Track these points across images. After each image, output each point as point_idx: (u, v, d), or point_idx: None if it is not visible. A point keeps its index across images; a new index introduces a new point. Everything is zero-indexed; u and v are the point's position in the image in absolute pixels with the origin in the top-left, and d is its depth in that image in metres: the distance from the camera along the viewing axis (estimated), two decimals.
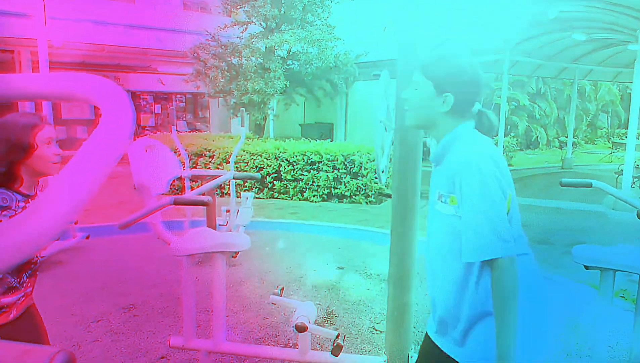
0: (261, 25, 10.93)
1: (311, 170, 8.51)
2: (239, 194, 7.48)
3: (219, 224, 5.33)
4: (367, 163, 8.29)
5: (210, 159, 9.05)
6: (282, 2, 10.34)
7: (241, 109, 6.45)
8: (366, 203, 8.35)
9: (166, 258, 5.08)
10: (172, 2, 13.71)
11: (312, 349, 2.68)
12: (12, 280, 1.72)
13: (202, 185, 4.36)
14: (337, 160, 8.36)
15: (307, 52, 10.97)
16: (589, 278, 3.88)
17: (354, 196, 8.40)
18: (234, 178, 4.95)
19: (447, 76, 1.45)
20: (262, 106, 10.80)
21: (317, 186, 8.51)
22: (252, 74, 10.41)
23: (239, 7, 10.83)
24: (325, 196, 8.55)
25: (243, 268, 4.99)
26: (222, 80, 10.62)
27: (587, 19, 8.74)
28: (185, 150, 6.39)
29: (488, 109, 1.54)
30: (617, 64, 13.22)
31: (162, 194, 2.78)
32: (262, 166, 8.68)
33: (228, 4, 10.98)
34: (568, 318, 3.71)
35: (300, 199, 8.58)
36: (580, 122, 21.04)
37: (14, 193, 1.69)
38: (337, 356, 2.45)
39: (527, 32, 10.20)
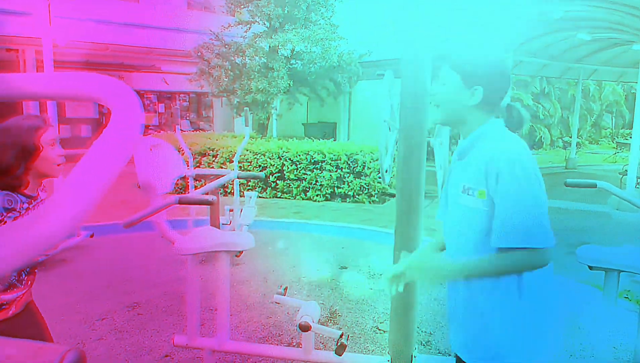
0: (265, 24, 10.93)
1: (314, 169, 8.52)
2: (242, 193, 7.49)
3: (223, 224, 5.34)
4: (370, 162, 8.29)
5: (214, 158, 9.07)
6: (286, 1, 10.34)
7: (245, 108, 6.45)
8: (369, 202, 8.35)
9: (170, 256, 5.09)
10: (176, 2, 13.73)
11: (315, 348, 2.68)
12: (12, 277, 1.74)
13: (205, 184, 4.37)
14: (341, 159, 8.36)
15: (311, 52, 10.96)
16: (593, 278, 3.87)
17: (357, 196, 8.40)
18: (237, 178, 4.96)
19: (476, 68, 1.45)
20: (265, 105, 10.80)
21: (320, 185, 8.51)
22: (255, 73, 10.42)
23: (242, 6, 10.84)
24: (329, 196, 8.56)
25: (247, 267, 5.00)
26: (225, 79, 10.63)
27: (591, 18, 8.70)
28: (189, 149, 6.41)
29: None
30: (621, 64, 13.16)
31: (167, 193, 2.79)
32: (265, 165, 8.69)
33: (232, 4, 10.99)
34: (572, 319, 3.70)
35: (303, 199, 8.59)
36: (584, 123, 20.95)
37: (18, 195, 1.71)
38: (340, 355, 2.45)
39: (531, 32, 10.17)
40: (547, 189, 1.38)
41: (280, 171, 8.70)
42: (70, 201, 0.47)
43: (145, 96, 14.99)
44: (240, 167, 8.43)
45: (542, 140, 19.85)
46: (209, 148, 9.16)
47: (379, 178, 8.09)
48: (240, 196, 6.38)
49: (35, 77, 0.65)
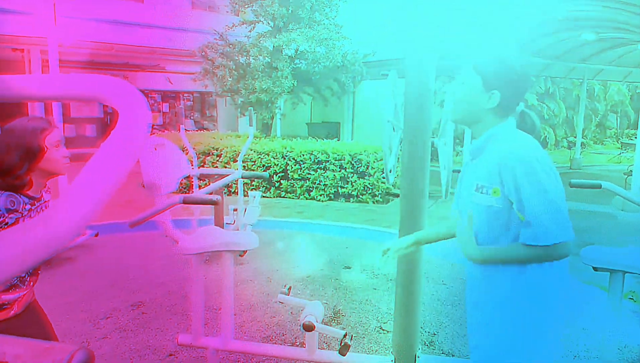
0: (269, 24, 10.95)
1: (318, 169, 8.52)
2: (246, 193, 7.50)
3: (227, 223, 5.35)
4: (374, 162, 8.28)
5: (218, 158, 9.08)
6: (290, 1, 10.35)
7: (249, 108, 6.47)
8: (373, 202, 8.35)
9: (174, 256, 5.11)
10: (180, 1, 13.76)
11: (319, 348, 2.69)
12: (14, 278, 1.74)
13: (209, 184, 4.38)
14: (344, 159, 8.36)
15: (315, 52, 10.96)
16: (598, 279, 3.85)
17: (360, 196, 8.40)
18: (242, 177, 4.97)
19: (497, 73, 1.48)
20: (269, 105, 10.82)
21: (324, 185, 8.52)
22: (259, 73, 10.43)
23: (247, 6, 10.85)
24: (332, 196, 8.56)
25: (250, 266, 5.01)
26: (230, 79, 10.64)
27: (596, 18, 8.66)
28: (193, 149, 6.42)
29: None
30: (626, 63, 13.09)
31: (171, 192, 2.80)
32: (269, 165, 8.70)
33: (236, 3, 11.00)
34: (576, 320, 3.69)
35: (307, 199, 8.59)
36: (589, 123, 20.86)
37: (21, 196, 1.73)
38: (344, 355, 2.46)
39: (535, 31, 10.13)
40: None
41: (284, 170, 8.70)
42: (79, 202, 0.48)
43: (149, 95, 15.02)
44: (244, 167, 8.45)
45: (547, 140, 19.75)
46: (213, 148, 9.18)
47: (383, 178, 8.09)
48: (244, 196, 6.40)
49: (43, 79, 0.65)
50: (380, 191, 8.40)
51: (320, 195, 8.54)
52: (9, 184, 1.69)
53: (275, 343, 3.36)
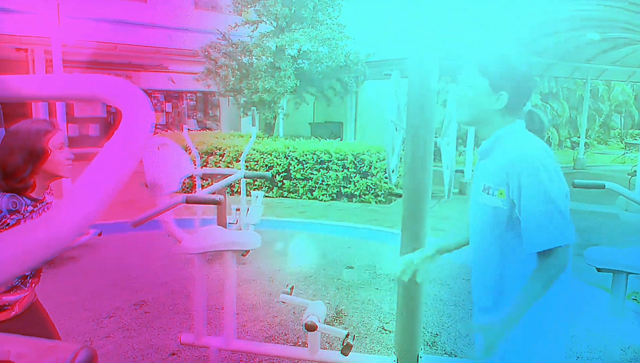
0: (272, 24, 10.95)
1: (321, 169, 8.52)
2: (249, 192, 7.51)
3: (229, 223, 5.36)
4: (376, 162, 8.28)
5: (221, 157, 9.09)
6: (293, 1, 10.35)
7: (252, 108, 6.48)
8: (375, 202, 8.34)
9: (177, 255, 5.12)
10: (183, 1, 13.78)
11: (321, 348, 2.69)
12: (16, 279, 1.75)
13: (212, 183, 4.38)
14: (347, 159, 8.36)
15: (318, 51, 10.96)
16: (601, 280, 3.84)
17: (363, 196, 8.40)
18: (244, 177, 4.97)
19: (504, 74, 1.48)
20: (272, 104, 10.82)
21: (326, 185, 8.52)
22: (262, 73, 10.43)
23: (249, 6, 10.85)
24: (335, 195, 8.56)
25: (253, 266, 5.01)
26: (232, 79, 10.65)
27: (600, 18, 8.63)
28: (196, 148, 6.43)
29: None
30: (631, 63, 13.04)
31: (174, 192, 2.80)
32: (272, 164, 8.71)
33: (239, 3, 11.01)
34: (579, 321, 3.68)
35: (309, 198, 8.59)
36: (592, 123, 20.78)
37: (24, 198, 1.73)
38: (346, 355, 2.46)
39: (540, 31, 10.11)
40: None
41: (287, 170, 8.71)
42: (81, 202, 0.48)
43: (152, 95, 15.04)
44: (247, 166, 8.46)
45: (550, 140, 19.70)
46: (215, 147, 9.19)
47: (386, 178, 8.08)
48: (247, 196, 6.40)
49: (45, 79, 0.66)
50: (382, 191, 8.39)
51: (323, 195, 8.54)
52: (12, 186, 1.70)
53: (277, 342, 3.36)
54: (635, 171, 8.79)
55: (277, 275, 4.77)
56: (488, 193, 1.49)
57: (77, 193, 0.49)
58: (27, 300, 1.85)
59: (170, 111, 15.75)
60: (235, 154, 8.88)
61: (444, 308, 3.99)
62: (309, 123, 15.88)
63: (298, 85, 10.81)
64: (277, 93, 10.43)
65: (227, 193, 7.54)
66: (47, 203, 1.89)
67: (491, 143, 1.53)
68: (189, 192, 8.53)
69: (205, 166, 8.89)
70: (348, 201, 8.47)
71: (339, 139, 11.24)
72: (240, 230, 5.15)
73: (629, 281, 2.52)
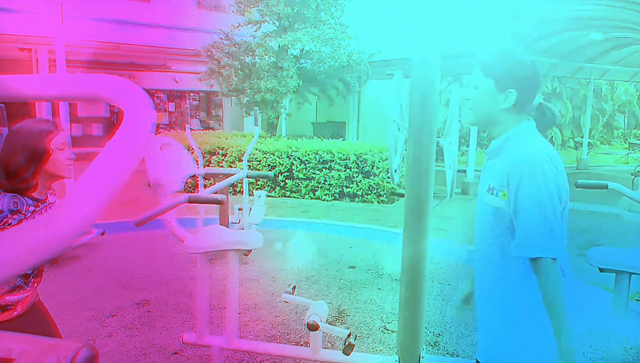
0: (274, 24, 10.96)
1: (323, 169, 8.52)
2: (251, 192, 7.51)
3: (232, 222, 5.37)
4: (379, 162, 8.28)
5: (224, 157, 9.10)
6: (296, 1, 10.35)
7: (254, 107, 6.48)
8: (378, 202, 8.34)
9: (179, 255, 5.13)
10: (186, 1, 13.80)
11: (323, 348, 2.69)
12: (18, 279, 1.76)
13: (215, 183, 4.39)
14: (349, 159, 8.35)
15: (320, 51, 10.96)
16: (604, 281, 3.83)
17: (365, 196, 8.39)
18: (247, 177, 4.98)
19: (509, 72, 1.47)
20: (275, 104, 10.83)
21: (329, 185, 8.52)
22: (265, 72, 10.44)
23: (252, 6, 10.86)
24: (337, 195, 8.56)
25: (255, 266, 5.02)
26: (235, 79, 10.67)
27: (603, 17, 8.61)
28: (199, 148, 6.44)
29: None
30: (634, 63, 13.00)
31: (177, 192, 2.81)
32: (274, 164, 8.71)
33: (242, 3, 11.02)
34: (582, 321, 3.67)
35: (312, 198, 8.60)
36: (596, 123, 20.72)
37: (25, 198, 1.73)
38: (348, 355, 2.46)
39: (542, 31, 10.08)
40: None
41: (289, 170, 8.71)
42: (83, 201, 0.48)
43: (155, 95, 15.08)
44: (249, 166, 8.46)
45: (554, 140, 19.65)
46: (218, 147, 9.20)
47: (388, 177, 8.07)
48: (250, 195, 6.41)
49: (47, 79, 0.66)
50: (385, 191, 8.39)
51: (325, 195, 8.54)
52: (14, 186, 1.70)
53: (279, 342, 3.36)
54: (638, 171, 8.76)
55: (279, 274, 4.78)
56: (492, 194, 1.49)
57: (78, 193, 0.49)
58: (30, 300, 1.85)
59: (173, 110, 15.79)
60: (237, 154, 8.89)
61: (447, 309, 3.99)
62: (312, 123, 15.88)
63: (300, 85, 10.81)
64: (279, 93, 10.44)
65: (230, 192, 7.56)
66: (50, 203, 1.88)
67: (501, 143, 1.53)
68: (191, 191, 8.54)
69: (208, 165, 8.90)
70: (350, 201, 8.47)
71: (342, 139, 11.24)
72: (243, 229, 5.16)
73: (631, 281, 2.51)
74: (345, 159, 8.39)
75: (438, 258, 5.30)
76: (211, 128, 15.11)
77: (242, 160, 6.22)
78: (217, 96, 12.83)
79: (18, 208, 1.69)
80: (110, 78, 0.63)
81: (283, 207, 7.92)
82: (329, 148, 8.59)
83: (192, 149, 6.18)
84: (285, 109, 12.08)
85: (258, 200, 5.34)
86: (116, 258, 5.25)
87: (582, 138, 14.80)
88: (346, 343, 2.44)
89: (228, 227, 4.99)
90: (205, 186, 6.33)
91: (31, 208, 1.75)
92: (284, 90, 10.43)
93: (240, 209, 5.52)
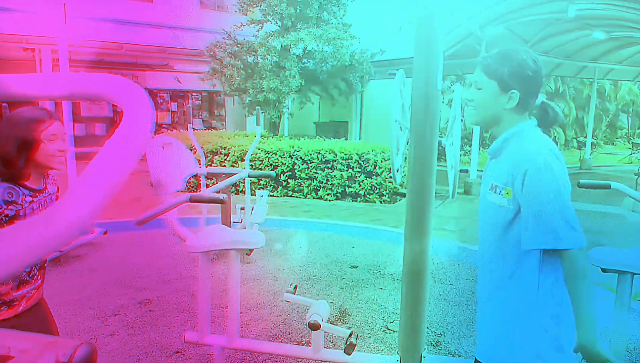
0: (277, 23, 10.96)
1: (325, 169, 8.52)
2: (253, 192, 7.52)
3: (234, 222, 5.38)
4: (381, 161, 8.27)
5: (226, 157, 9.12)
6: (298, 0, 10.36)
7: (256, 107, 6.49)
8: (380, 202, 8.33)
9: (181, 254, 5.15)
10: (188, 1, 13.82)
11: (325, 347, 2.69)
12: (23, 273, 1.74)
13: (217, 183, 4.40)
14: (352, 159, 8.35)
15: (323, 51, 10.96)
16: (606, 281, 3.82)
17: (368, 195, 8.39)
18: (249, 176, 4.98)
19: (511, 73, 1.47)
20: (277, 104, 10.84)
21: (331, 184, 8.52)
22: (267, 72, 10.45)
23: (255, 5, 10.87)
24: (339, 195, 8.56)
25: (257, 265, 5.02)
26: (237, 78, 10.68)
27: (607, 17, 8.58)
28: (201, 148, 6.45)
29: None
30: (637, 63, 12.95)
31: (179, 191, 2.81)
32: (276, 164, 8.72)
33: (244, 3, 11.03)
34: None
35: (314, 198, 8.60)
36: (599, 123, 20.65)
37: (20, 188, 1.70)
38: (349, 354, 2.46)
39: (545, 30, 10.06)
40: None
41: (292, 170, 8.72)
42: (82, 200, 0.49)
43: (158, 94, 15.11)
44: (251, 166, 8.48)
45: (557, 140, 19.59)
46: (221, 147, 9.21)
47: (390, 177, 8.07)
48: (252, 195, 6.42)
49: (48, 78, 0.66)
50: (387, 191, 8.38)
51: (328, 194, 8.54)
52: (7, 175, 1.67)
53: (281, 341, 3.37)
54: None
55: (281, 274, 4.78)
56: (495, 192, 1.50)
57: (77, 191, 0.49)
58: (35, 296, 1.83)
59: (176, 110, 15.81)
60: (240, 154, 8.90)
61: (448, 308, 3.99)
62: (314, 122, 15.89)
63: (303, 84, 10.82)
64: (282, 92, 10.44)
65: (232, 192, 7.57)
66: (50, 193, 1.85)
67: (501, 143, 1.53)
68: (194, 191, 8.55)
69: (210, 165, 8.92)
70: (353, 200, 8.47)
71: (344, 138, 11.24)
72: (245, 229, 5.17)
73: (634, 282, 2.50)
74: (348, 159, 8.39)
75: (440, 258, 5.30)
76: (214, 128, 15.13)
77: (244, 160, 6.23)
78: (220, 95, 12.86)
79: (13, 199, 1.66)
80: (111, 77, 0.64)
81: (285, 207, 7.92)
82: (331, 147, 8.59)
83: (195, 148, 6.19)
84: (288, 108, 12.09)
85: (260, 200, 5.35)
86: (118, 258, 5.26)
87: (586, 137, 14.76)
88: (347, 343, 2.44)
89: (230, 226, 5.00)
90: (207, 185, 6.34)
91: (28, 198, 1.72)
92: (287, 90, 10.43)
93: (242, 208, 5.53)
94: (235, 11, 11.62)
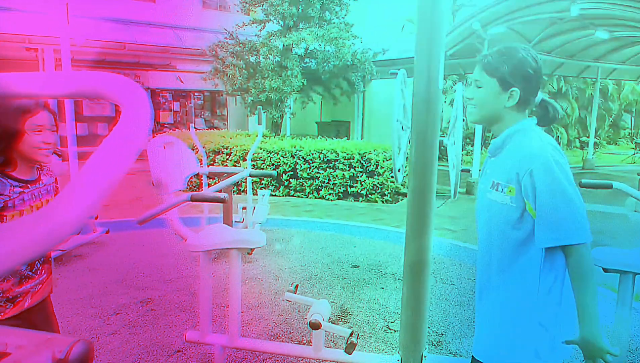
0: (279, 23, 10.97)
1: (327, 168, 8.52)
2: (255, 191, 7.53)
3: (235, 221, 5.38)
4: (383, 161, 8.27)
5: (228, 156, 9.13)
6: (300, 0, 10.36)
7: (258, 107, 6.50)
8: (382, 201, 8.33)
9: (183, 253, 5.15)
10: (191, 1, 13.84)
11: (326, 347, 2.69)
12: (23, 268, 1.71)
13: (219, 182, 4.40)
14: (354, 158, 8.35)
15: (325, 51, 10.97)
16: (608, 281, 3.81)
17: (369, 195, 8.39)
18: (250, 176, 4.99)
19: (512, 71, 1.47)
20: (279, 104, 10.84)
21: (333, 184, 8.52)
22: (269, 72, 10.46)
23: (257, 5, 10.88)
24: (341, 195, 8.56)
25: (258, 264, 5.03)
26: (240, 78, 10.69)
27: (610, 16, 8.56)
28: (203, 147, 6.46)
29: None
30: None
31: (180, 190, 2.82)
32: (278, 163, 8.72)
33: (246, 3, 11.04)
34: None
35: (316, 198, 8.60)
36: (602, 122, 20.58)
37: (8, 179, 1.63)
38: (350, 354, 2.46)
39: (548, 30, 10.04)
40: None
41: (294, 169, 8.72)
42: (78, 197, 0.49)
43: (160, 94, 15.13)
44: (253, 165, 8.48)
45: (559, 140, 19.54)
46: (223, 146, 9.22)
47: (392, 177, 8.06)
48: (254, 194, 6.42)
49: (46, 77, 0.66)
50: (389, 191, 8.38)
51: (329, 194, 8.54)
52: None
53: (282, 341, 3.37)
54: None
55: (282, 273, 4.79)
56: (497, 190, 1.49)
57: (74, 188, 0.50)
58: (41, 292, 1.80)
59: (178, 110, 15.82)
60: (242, 153, 8.91)
61: (450, 308, 3.98)
62: (316, 122, 15.89)
63: (305, 84, 10.82)
64: (284, 92, 10.45)
65: (234, 192, 7.57)
66: (45, 184, 1.78)
67: (501, 141, 1.53)
68: (196, 190, 8.57)
69: (213, 164, 8.93)
70: (354, 200, 8.47)
71: (346, 138, 11.24)
72: (246, 228, 5.17)
73: (636, 282, 2.49)
74: (350, 159, 8.39)
75: (441, 258, 5.29)
76: (216, 127, 15.15)
77: (246, 159, 6.24)
78: (222, 95, 12.85)
79: (0, 191, 1.61)
80: (109, 76, 0.64)
81: (287, 206, 7.93)
82: (333, 147, 8.59)
83: (197, 148, 6.20)
84: (290, 108, 12.10)
85: (262, 199, 5.35)
86: (120, 257, 5.27)
87: (588, 137, 14.71)
88: (348, 342, 2.44)
89: (232, 226, 5.01)
90: (209, 184, 6.35)
91: (17, 189, 1.65)
92: (289, 89, 10.44)
93: (244, 208, 5.53)
94: (237, 11, 11.62)
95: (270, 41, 10.56)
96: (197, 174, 6.34)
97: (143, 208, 2.77)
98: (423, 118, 2.43)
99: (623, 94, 21.58)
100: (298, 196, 8.70)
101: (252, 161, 8.11)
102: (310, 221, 6.88)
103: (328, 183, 8.55)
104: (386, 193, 8.36)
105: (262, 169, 8.58)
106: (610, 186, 2.86)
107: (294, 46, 10.59)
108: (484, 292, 1.60)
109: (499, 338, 1.52)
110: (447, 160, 4.93)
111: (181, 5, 13.37)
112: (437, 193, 2.51)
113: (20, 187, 1.67)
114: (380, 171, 8.28)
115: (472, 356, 1.61)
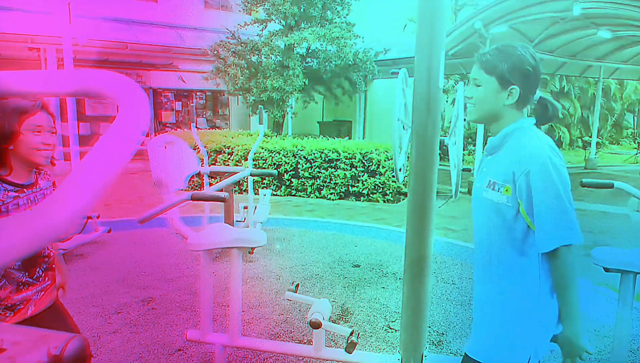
0: (281, 23, 10.97)
1: (329, 168, 8.52)
2: (256, 191, 7.53)
3: (237, 221, 5.39)
4: (385, 161, 8.26)
5: (229, 156, 9.14)
6: (302, 0, 10.37)
7: (260, 106, 6.49)
8: (383, 201, 8.33)
9: (184, 252, 5.16)
10: (193, 0, 13.85)
11: (326, 346, 2.69)
12: (20, 275, 1.63)
13: (220, 181, 4.41)
14: (355, 158, 8.35)
15: (326, 50, 10.97)
16: (609, 280, 3.80)
17: (371, 195, 8.38)
18: (251, 175, 5.00)
19: (511, 70, 1.47)
20: (280, 103, 10.84)
21: (334, 184, 8.52)
22: (271, 71, 10.46)
23: (259, 5, 10.89)
24: (343, 194, 8.55)
25: (259, 264, 5.03)
26: (241, 78, 10.70)
27: (612, 16, 8.53)
28: (205, 147, 6.46)
29: None
30: None
31: (181, 190, 2.82)
32: (280, 163, 8.73)
33: (248, 2, 11.05)
34: (587, 322, 3.65)
35: (317, 197, 8.60)
36: (604, 122, 20.54)
37: (2, 183, 1.57)
38: (350, 353, 2.46)
39: (550, 29, 10.01)
40: None
41: (295, 169, 8.72)
42: (74, 195, 0.49)
43: (162, 94, 15.15)
44: (255, 165, 8.49)
45: (562, 140, 19.51)
46: (224, 146, 9.23)
47: (394, 176, 8.06)
48: (255, 194, 6.43)
49: (45, 75, 0.67)
50: (391, 190, 8.37)
51: (331, 194, 8.54)
52: None
53: (282, 340, 3.37)
54: None
55: (283, 273, 4.79)
56: (493, 189, 1.49)
57: (69, 186, 0.50)
58: (46, 299, 1.73)
59: (180, 109, 15.84)
60: (244, 153, 8.92)
61: (451, 308, 3.98)
62: (318, 122, 15.89)
63: (307, 84, 10.82)
64: (285, 92, 10.45)
65: (236, 191, 7.58)
66: (42, 188, 1.72)
67: (499, 140, 1.53)
68: (197, 190, 8.58)
69: (214, 164, 8.94)
70: (356, 199, 8.47)
71: (348, 138, 11.24)
72: (248, 227, 5.18)
73: (637, 281, 2.49)
74: (351, 158, 8.39)
75: (442, 257, 5.29)
76: (218, 127, 15.16)
77: (247, 159, 6.24)
78: (224, 95, 12.87)
79: None
80: (110, 74, 0.64)
81: (288, 206, 7.93)
82: (334, 146, 8.59)
83: (198, 147, 6.21)
84: (292, 108, 12.10)
85: (263, 199, 5.36)
86: (121, 256, 5.28)
87: (591, 137, 14.68)
88: (349, 342, 2.44)
89: (233, 225, 5.01)
90: (210, 184, 6.36)
91: (11, 194, 1.58)
92: (290, 89, 10.44)
93: (245, 207, 5.54)
94: (239, 10, 11.63)
95: (272, 41, 10.56)
96: (199, 174, 6.34)
97: (144, 208, 2.78)
98: (424, 118, 2.43)
99: (625, 93, 21.51)
100: (299, 196, 8.71)
101: (253, 160, 8.12)
102: (312, 220, 6.88)
103: (329, 182, 8.55)
104: (388, 192, 8.36)
105: (264, 168, 8.58)
106: (611, 186, 2.86)
107: (295, 45, 10.59)
108: (483, 292, 1.60)
109: (498, 338, 1.52)
110: (449, 160, 4.92)
111: (183, 5, 13.39)
112: (438, 192, 2.51)
113: (15, 192, 1.60)
114: (382, 170, 8.28)
115: (465, 354, 1.60)
